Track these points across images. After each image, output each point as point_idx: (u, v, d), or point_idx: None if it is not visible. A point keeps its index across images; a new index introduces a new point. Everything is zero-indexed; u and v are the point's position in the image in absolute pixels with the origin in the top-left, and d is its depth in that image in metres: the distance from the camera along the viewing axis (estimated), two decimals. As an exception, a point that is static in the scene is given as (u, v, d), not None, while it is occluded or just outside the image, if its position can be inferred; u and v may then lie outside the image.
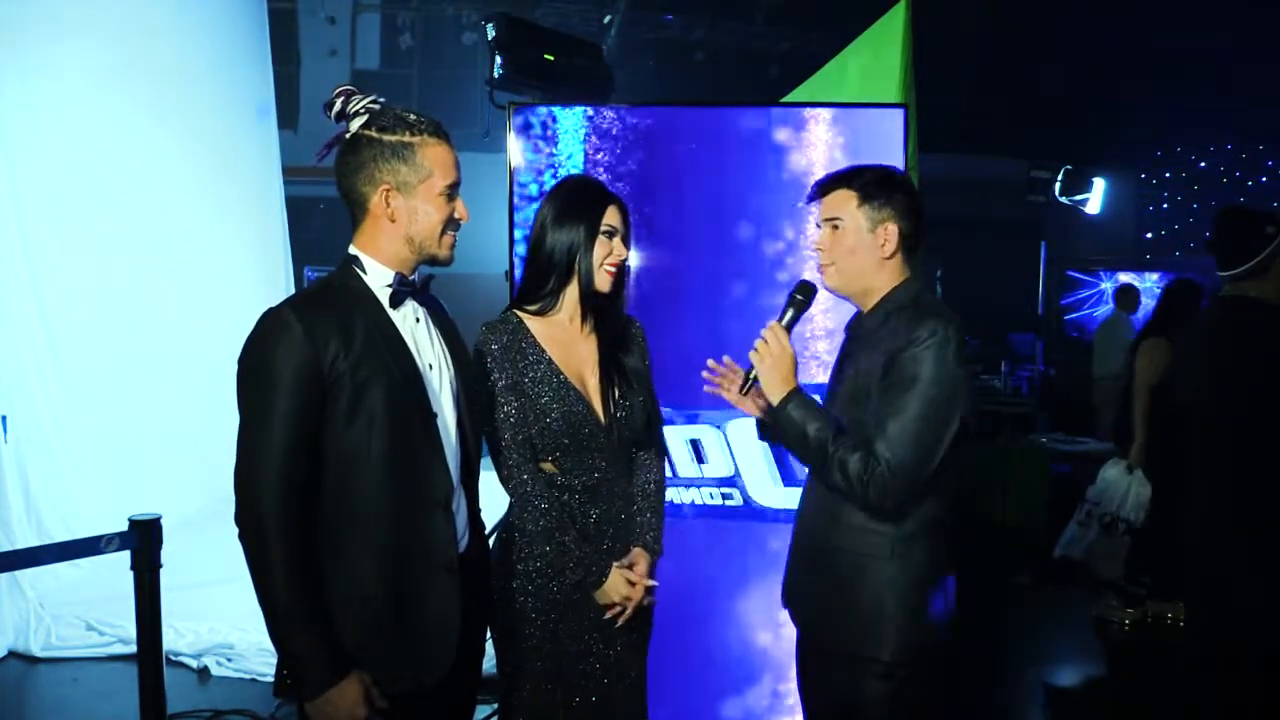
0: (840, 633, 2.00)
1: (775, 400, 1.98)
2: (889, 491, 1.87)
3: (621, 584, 2.05)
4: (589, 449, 2.07)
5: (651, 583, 2.10)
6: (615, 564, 2.07)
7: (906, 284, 2.02)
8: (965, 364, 1.90)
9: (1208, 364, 2.84)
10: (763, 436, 2.26)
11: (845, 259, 2.01)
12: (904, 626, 1.93)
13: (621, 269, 2.12)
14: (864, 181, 2.01)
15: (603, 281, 2.09)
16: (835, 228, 2.02)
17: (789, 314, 2.06)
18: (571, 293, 2.10)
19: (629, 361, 2.15)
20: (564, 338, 2.11)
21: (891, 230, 1.99)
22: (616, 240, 2.09)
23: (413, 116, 1.79)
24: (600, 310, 2.14)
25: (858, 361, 2.03)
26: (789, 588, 2.15)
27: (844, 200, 2.01)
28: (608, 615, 2.06)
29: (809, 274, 2.12)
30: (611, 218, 2.09)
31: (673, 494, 2.83)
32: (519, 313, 2.12)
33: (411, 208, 1.77)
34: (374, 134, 1.75)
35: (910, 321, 1.92)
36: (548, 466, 2.07)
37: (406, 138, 1.76)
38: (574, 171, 2.79)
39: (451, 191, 1.80)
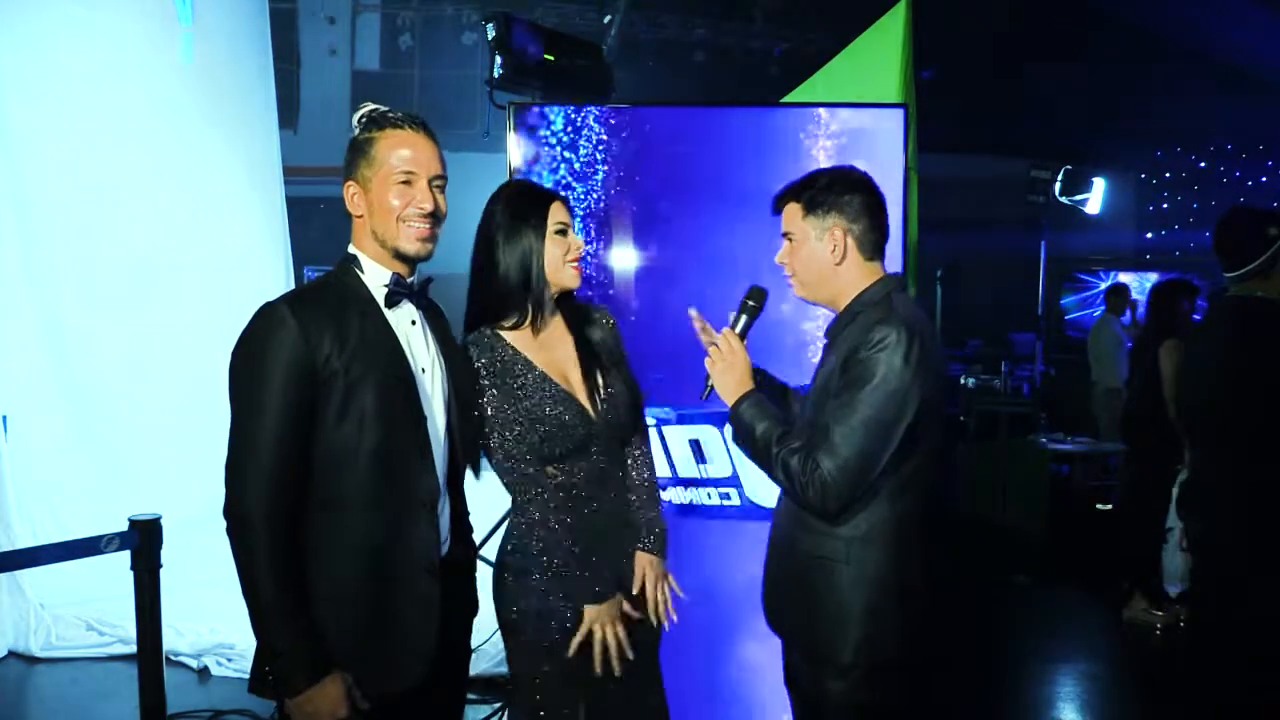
0: (807, 635, 2.00)
1: (729, 402, 2.01)
2: (828, 493, 1.86)
3: (607, 629, 2.01)
4: (586, 445, 2.07)
5: (636, 615, 2.08)
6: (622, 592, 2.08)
7: (876, 285, 2.01)
8: (924, 367, 1.86)
9: (1220, 365, 2.83)
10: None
11: (803, 270, 2.03)
12: (865, 629, 1.92)
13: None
14: (810, 192, 2.01)
15: (571, 278, 2.08)
16: (789, 240, 2.05)
17: (742, 320, 2.08)
18: (544, 298, 2.08)
19: (604, 350, 2.15)
20: (542, 341, 2.09)
21: (839, 235, 1.98)
22: (570, 234, 2.09)
23: (390, 114, 1.79)
24: (568, 304, 2.15)
25: (826, 364, 2.04)
26: (765, 593, 2.15)
27: (792, 214, 2.03)
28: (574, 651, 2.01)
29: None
30: (558, 215, 2.08)
31: (673, 494, 2.83)
32: (493, 328, 2.07)
33: (370, 201, 1.78)
34: (355, 136, 1.79)
35: (870, 323, 1.91)
36: (550, 470, 2.07)
37: (371, 134, 1.78)
38: (573, 172, 2.79)
39: (407, 178, 1.76)
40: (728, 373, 2.02)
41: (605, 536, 2.09)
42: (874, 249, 2.02)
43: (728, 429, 2.81)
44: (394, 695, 1.75)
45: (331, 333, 1.69)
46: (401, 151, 1.77)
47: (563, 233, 2.07)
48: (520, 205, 2.07)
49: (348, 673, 1.69)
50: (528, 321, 2.06)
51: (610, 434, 2.11)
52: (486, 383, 2.02)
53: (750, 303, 2.09)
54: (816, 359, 2.80)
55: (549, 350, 2.09)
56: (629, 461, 2.19)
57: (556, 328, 2.13)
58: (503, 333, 2.06)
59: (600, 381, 2.11)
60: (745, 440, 2.00)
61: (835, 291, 2.03)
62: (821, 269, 2.01)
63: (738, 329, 2.08)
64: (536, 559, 2.03)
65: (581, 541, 2.04)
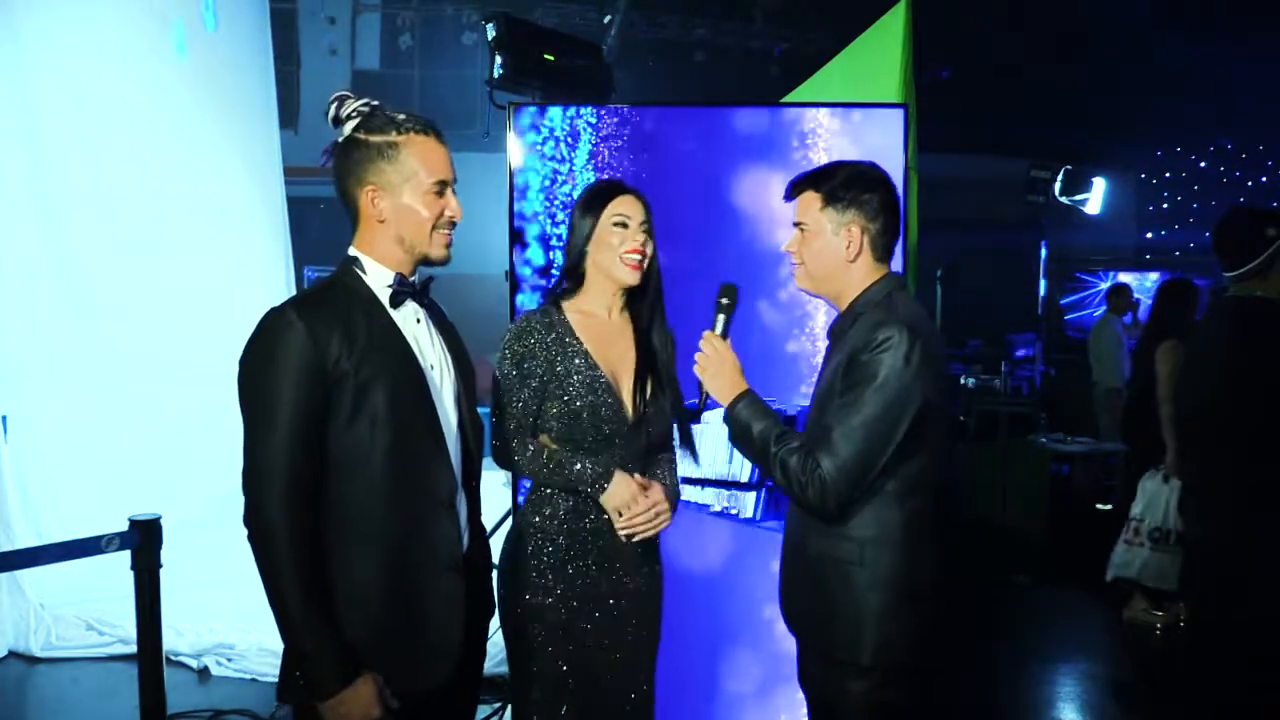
0: (823, 637, 2.00)
1: (724, 403, 2.00)
2: (827, 493, 1.86)
3: (624, 488, 2.03)
4: (612, 443, 2.08)
5: (659, 497, 2.07)
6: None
7: (879, 284, 2.00)
8: (926, 367, 1.87)
9: (1220, 365, 2.83)
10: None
11: (812, 261, 2.01)
12: (880, 630, 1.92)
13: (649, 261, 2.11)
14: (831, 185, 1.99)
15: (623, 273, 2.09)
16: (802, 230, 2.02)
17: (720, 320, 2.07)
18: (602, 285, 2.12)
19: (664, 365, 2.16)
20: (603, 331, 2.13)
21: (855, 233, 1.97)
22: (631, 229, 2.09)
23: (401, 116, 1.79)
24: (638, 307, 2.16)
25: (829, 364, 2.03)
26: (781, 594, 2.15)
27: (808, 203, 2.01)
28: (621, 529, 2.03)
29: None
30: (620, 207, 2.10)
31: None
32: (560, 306, 2.14)
33: (398, 207, 1.77)
34: (362, 136, 1.77)
35: (873, 324, 1.91)
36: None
37: (392, 137, 1.76)
38: (573, 172, 2.80)
39: (440, 189, 1.79)
40: (719, 375, 2.01)
41: (610, 540, 2.09)
42: (885, 250, 2.02)
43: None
44: (420, 695, 1.75)
45: (340, 334, 1.69)
46: (433, 160, 1.78)
47: (622, 224, 2.09)
48: (592, 192, 2.15)
49: (377, 673, 1.69)
50: (579, 294, 2.13)
51: (639, 440, 2.11)
52: (524, 355, 2.06)
53: (724, 300, 2.08)
54: (802, 370, 2.82)
55: (607, 342, 2.12)
56: (653, 468, 2.18)
57: (621, 327, 2.15)
58: (567, 313, 2.11)
59: (649, 391, 2.13)
60: (743, 440, 2.00)
61: (841, 288, 2.02)
62: (833, 264, 1.99)
63: (718, 330, 2.06)
64: (537, 553, 2.06)
65: (583, 540, 2.06)
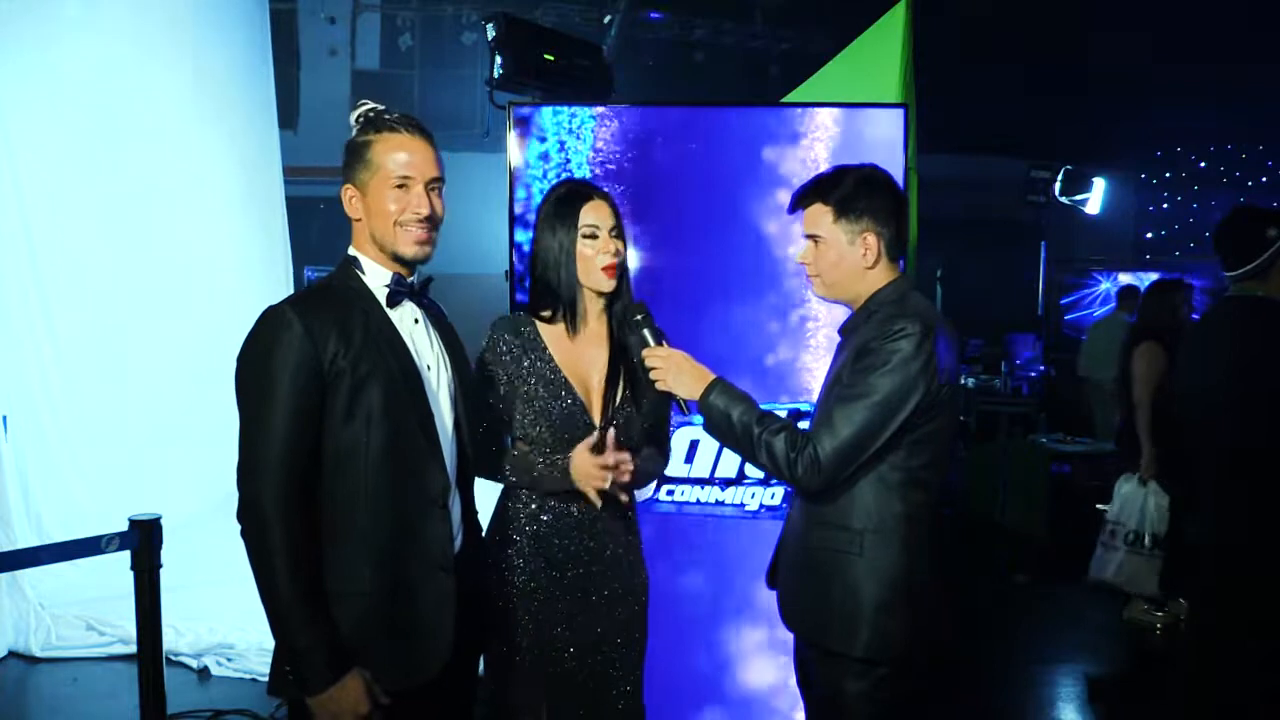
0: (818, 629, 2.01)
1: (696, 396, 1.99)
2: (816, 470, 1.87)
3: (586, 461, 1.99)
4: (575, 443, 2.07)
5: (623, 456, 2.00)
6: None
7: (894, 284, 2.02)
8: (937, 362, 1.88)
9: (1220, 365, 2.83)
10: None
11: (829, 272, 2.02)
12: (875, 623, 1.92)
13: (620, 263, 2.10)
14: (840, 195, 1.99)
15: (600, 281, 2.08)
16: (816, 243, 2.03)
17: (646, 335, 2.06)
18: (576, 298, 2.10)
19: (641, 371, 2.13)
20: (574, 340, 2.12)
21: (871, 241, 1.99)
22: (602, 237, 2.07)
23: (387, 116, 1.80)
24: (610, 311, 2.15)
25: (838, 360, 2.05)
26: (780, 594, 2.15)
27: (819, 216, 2.01)
28: (591, 493, 1.98)
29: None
30: (589, 216, 2.07)
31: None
32: (532, 314, 2.13)
33: (367, 205, 1.79)
34: (351, 139, 1.80)
35: (886, 318, 1.93)
36: (538, 463, 2.08)
37: (368, 136, 1.78)
38: (573, 172, 2.80)
39: (403, 183, 1.77)
40: (680, 373, 2.00)
41: (581, 543, 2.09)
42: (898, 251, 2.04)
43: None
44: (412, 691, 1.76)
45: (336, 332, 1.70)
46: (398, 155, 1.77)
47: (592, 235, 2.07)
48: (557, 204, 2.11)
49: (366, 669, 1.70)
50: (561, 318, 2.10)
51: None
52: (495, 362, 2.06)
53: (638, 318, 2.07)
54: (788, 372, 2.83)
55: (578, 350, 2.11)
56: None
57: (596, 332, 2.14)
58: (539, 321, 2.11)
59: (618, 396, 2.11)
60: (721, 427, 1.97)
61: (859, 292, 2.03)
62: (851, 272, 2.01)
63: (652, 343, 2.06)
64: (512, 547, 2.06)
65: (555, 540, 2.06)
